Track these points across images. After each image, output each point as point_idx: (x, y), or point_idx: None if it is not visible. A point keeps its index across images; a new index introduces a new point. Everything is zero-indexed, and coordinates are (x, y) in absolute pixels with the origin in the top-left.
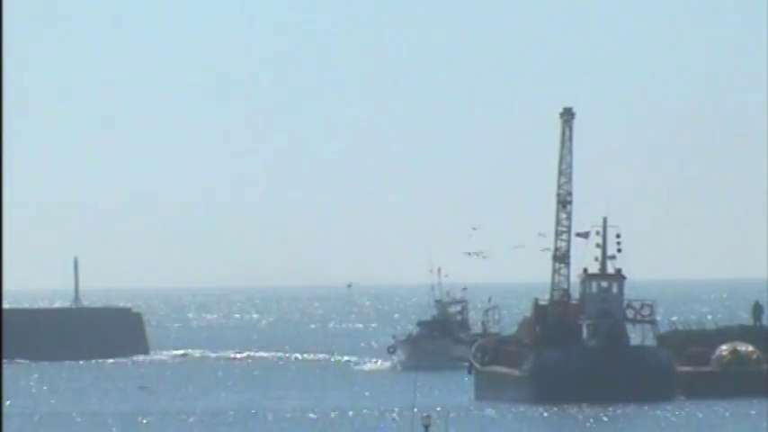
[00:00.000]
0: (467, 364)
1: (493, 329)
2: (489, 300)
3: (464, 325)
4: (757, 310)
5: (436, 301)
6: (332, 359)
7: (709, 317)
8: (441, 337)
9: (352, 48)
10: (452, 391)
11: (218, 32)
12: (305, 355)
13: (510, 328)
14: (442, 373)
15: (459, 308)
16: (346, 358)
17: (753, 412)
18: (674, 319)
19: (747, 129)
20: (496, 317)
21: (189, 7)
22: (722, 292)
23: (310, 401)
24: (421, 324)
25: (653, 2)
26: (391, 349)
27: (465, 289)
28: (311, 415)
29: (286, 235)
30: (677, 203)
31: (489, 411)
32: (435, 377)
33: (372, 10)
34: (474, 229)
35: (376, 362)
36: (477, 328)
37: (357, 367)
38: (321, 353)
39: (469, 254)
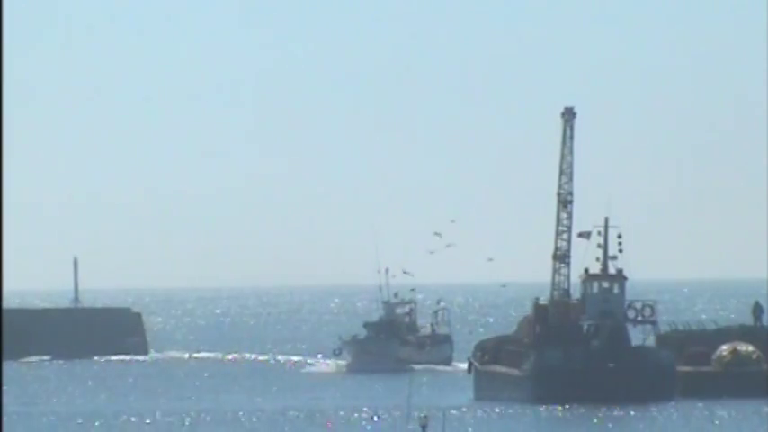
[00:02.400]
0: (466, 363)
1: (442, 331)
2: (439, 301)
3: (412, 326)
4: (757, 310)
5: (383, 302)
6: (273, 360)
7: (704, 316)
8: (388, 338)
9: (352, 48)
10: (446, 391)
11: (218, 33)
12: (245, 356)
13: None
14: (388, 375)
15: (407, 309)
16: (290, 359)
17: (753, 412)
18: (674, 319)
19: (748, 129)
20: (446, 318)
21: (189, 7)
22: (722, 293)
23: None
24: (367, 325)
25: (653, 2)
26: (337, 351)
27: (413, 290)
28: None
29: (285, 235)
30: (678, 203)
31: (490, 411)
32: (381, 379)
33: (372, 10)
34: (438, 234)
35: (322, 363)
36: (426, 330)
37: (302, 369)
38: (263, 353)
39: (432, 252)
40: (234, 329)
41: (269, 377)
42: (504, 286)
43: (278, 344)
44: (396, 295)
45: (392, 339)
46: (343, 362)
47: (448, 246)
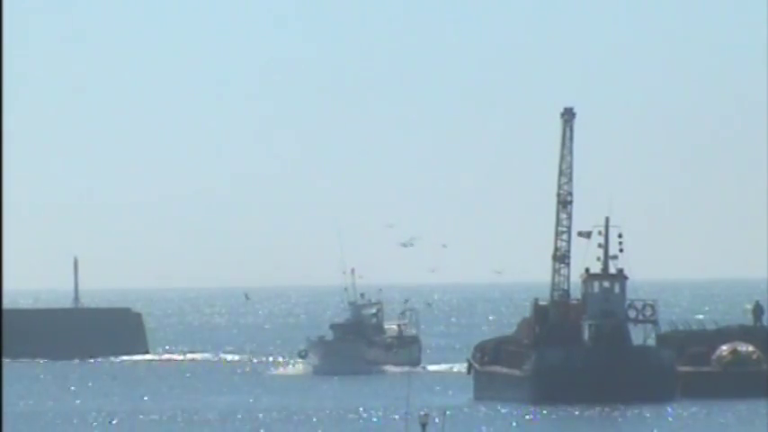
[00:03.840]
0: (466, 364)
1: (410, 332)
2: (406, 301)
3: (379, 328)
4: (757, 310)
5: (350, 303)
6: (240, 360)
7: (701, 316)
8: (354, 340)
9: (351, 48)
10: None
11: (216, 33)
12: (205, 356)
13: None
14: (356, 377)
15: (374, 310)
16: (255, 360)
17: (752, 412)
18: (674, 318)
19: (748, 129)
20: (414, 319)
21: (189, 6)
22: (722, 292)
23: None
24: (334, 327)
25: (653, 2)
26: (303, 353)
27: (380, 291)
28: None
29: (285, 234)
30: (679, 203)
31: (490, 411)
32: (349, 381)
33: (373, 10)
34: (390, 226)
35: (287, 365)
36: (392, 331)
37: (268, 372)
38: (230, 354)
39: (405, 245)
40: (209, 329)
41: (233, 379)
42: (499, 272)
43: (240, 345)
44: (362, 296)
45: (359, 341)
46: (309, 364)
47: (412, 239)
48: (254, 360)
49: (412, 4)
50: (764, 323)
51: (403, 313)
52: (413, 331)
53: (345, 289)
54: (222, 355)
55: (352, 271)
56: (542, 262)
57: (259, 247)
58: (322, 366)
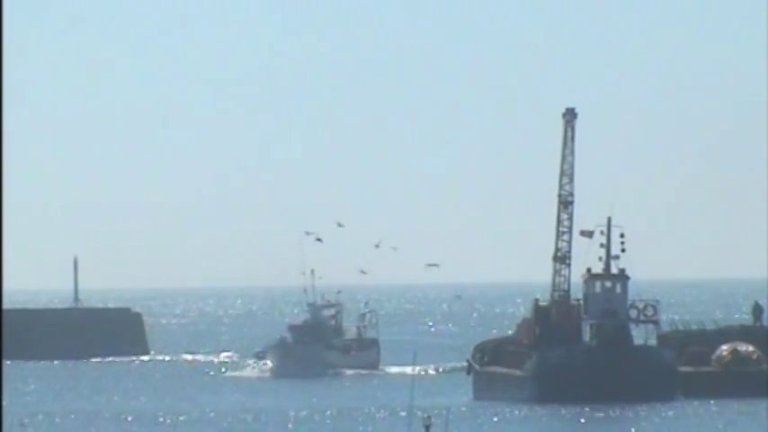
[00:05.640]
0: (466, 365)
1: (369, 334)
2: (366, 303)
3: (338, 330)
4: (757, 310)
5: (309, 305)
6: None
7: (686, 317)
8: (313, 342)
9: (352, 48)
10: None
11: (215, 34)
12: (158, 357)
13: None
14: (313, 380)
15: (333, 312)
16: (212, 360)
17: (753, 412)
18: (676, 318)
19: (749, 129)
20: (373, 321)
21: (189, 6)
22: (721, 292)
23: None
24: (292, 328)
25: (654, 2)
26: (260, 354)
27: (339, 292)
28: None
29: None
30: (680, 203)
31: (491, 411)
32: (307, 384)
33: (373, 10)
34: (339, 225)
35: (245, 367)
36: (351, 333)
37: (226, 374)
38: (182, 354)
39: (377, 246)
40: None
41: (190, 381)
42: (459, 297)
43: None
44: (322, 297)
45: (317, 343)
46: (266, 366)
47: (394, 248)
48: (215, 361)
49: (412, 4)
50: (765, 323)
51: (363, 315)
52: (373, 334)
53: (305, 290)
54: (184, 356)
55: (312, 272)
56: (543, 262)
57: (220, 248)
58: (279, 369)
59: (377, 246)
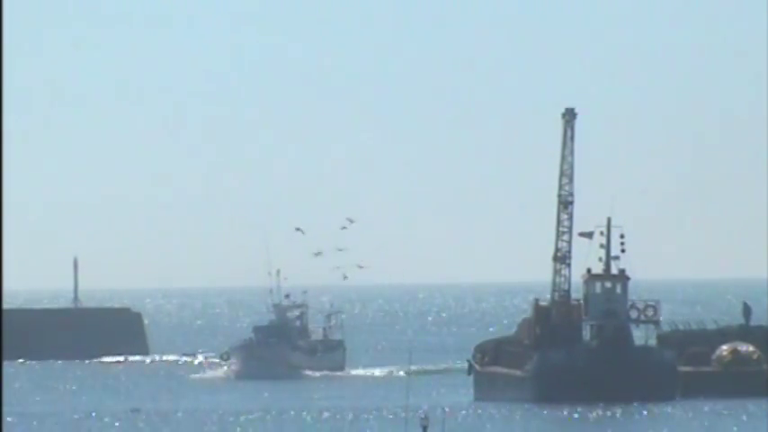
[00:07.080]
0: (466, 365)
1: (335, 336)
2: (331, 305)
3: (303, 331)
4: (746, 310)
5: (274, 306)
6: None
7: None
8: (278, 343)
9: (352, 48)
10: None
11: (214, 34)
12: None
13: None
14: (278, 381)
15: (298, 313)
16: (174, 359)
17: (752, 412)
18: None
19: (748, 129)
20: (339, 322)
21: (188, 6)
22: (721, 292)
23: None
24: (257, 329)
25: (654, 2)
26: (225, 356)
27: (305, 293)
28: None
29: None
30: (680, 204)
31: (491, 411)
32: (270, 386)
33: (373, 10)
34: (350, 221)
35: (209, 369)
36: (317, 335)
37: (191, 375)
38: (143, 355)
39: (340, 250)
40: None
41: (155, 382)
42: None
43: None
44: (287, 297)
45: (282, 345)
46: (231, 367)
47: (340, 250)
48: (179, 362)
49: (412, 4)
50: (757, 323)
51: (329, 316)
52: (338, 335)
53: (270, 291)
54: (153, 356)
55: (278, 272)
56: (543, 262)
57: (185, 247)
58: (244, 370)
59: (343, 228)
